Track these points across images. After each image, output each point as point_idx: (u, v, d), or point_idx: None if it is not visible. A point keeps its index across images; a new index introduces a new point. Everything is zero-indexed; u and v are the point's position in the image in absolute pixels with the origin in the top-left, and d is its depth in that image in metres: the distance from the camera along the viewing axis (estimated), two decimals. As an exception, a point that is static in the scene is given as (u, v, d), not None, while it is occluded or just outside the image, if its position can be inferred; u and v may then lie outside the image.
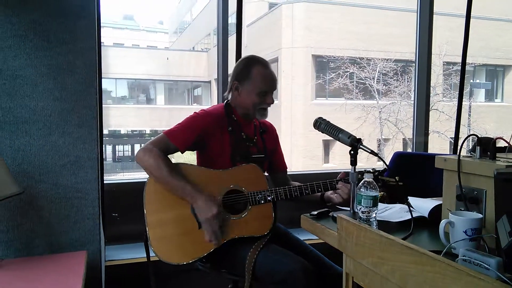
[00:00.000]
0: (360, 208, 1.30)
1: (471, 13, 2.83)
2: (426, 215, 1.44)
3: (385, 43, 12.05)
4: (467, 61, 2.98)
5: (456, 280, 0.86)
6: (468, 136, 1.34)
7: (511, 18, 13.20)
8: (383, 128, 12.47)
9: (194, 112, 1.82)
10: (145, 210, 1.70)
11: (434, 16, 3.03)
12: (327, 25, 12.34)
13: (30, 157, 1.77)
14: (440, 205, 1.41)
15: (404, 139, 12.59)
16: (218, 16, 2.68)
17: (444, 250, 1.07)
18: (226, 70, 2.68)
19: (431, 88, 3.15)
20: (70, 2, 1.79)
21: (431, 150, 3.26)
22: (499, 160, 1.24)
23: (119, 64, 14.55)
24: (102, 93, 2.11)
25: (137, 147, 17.37)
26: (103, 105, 2.11)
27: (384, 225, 1.37)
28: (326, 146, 12.76)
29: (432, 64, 3.15)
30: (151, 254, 1.71)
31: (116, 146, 16.93)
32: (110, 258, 2.25)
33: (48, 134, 1.78)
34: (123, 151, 17.49)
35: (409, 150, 12.01)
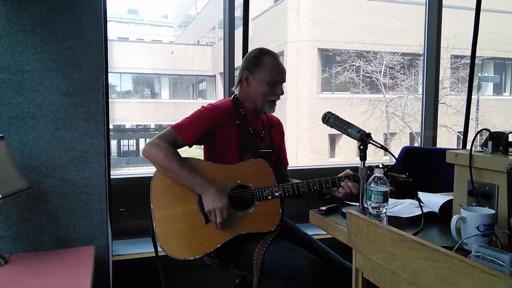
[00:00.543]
0: (371, 204, 1.29)
1: (481, 6, 2.79)
2: (436, 210, 1.42)
3: (392, 36, 11.95)
4: (470, 54, 2.95)
5: (469, 277, 0.85)
6: (480, 130, 1.32)
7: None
8: (389, 122, 12.40)
9: (202, 106, 1.81)
10: (151, 206, 1.69)
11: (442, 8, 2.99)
12: (333, 18, 12.25)
13: (38, 152, 1.77)
14: (450, 200, 1.39)
15: (411, 133, 12.51)
16: (225, 9, 2.66)
17: (456, 246, 1.06)
18: (233, 63, 2.66)
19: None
20: (76, -4, 1.78)
21: (439, 144, 3.23)
22: (512, 154, 1.22)
23: (123, 59, 14.55)
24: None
25: (142, 142, 17.41)
26: (108, 100, 2.11)
27: (394, 221, 1.36)
28: (332, 140, 12.72)
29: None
30: (159, 250, 1.70)
31: (121, 141, 16.96)
32: (117, 253, 2.26)
33: (55, 129, 1.78)
34: (128, 145, 17.52)
35: (416, 144, 11.96)
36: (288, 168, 2.07)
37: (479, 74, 13.32)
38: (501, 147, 1.25)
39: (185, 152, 1.88)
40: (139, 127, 17.38)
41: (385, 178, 1.30)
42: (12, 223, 1.77)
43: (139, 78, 17.48)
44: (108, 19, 2.02)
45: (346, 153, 12.54)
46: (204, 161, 1.78)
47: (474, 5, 2.84)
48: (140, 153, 16.74)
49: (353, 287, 1.34)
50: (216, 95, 16.12)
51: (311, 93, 12.33)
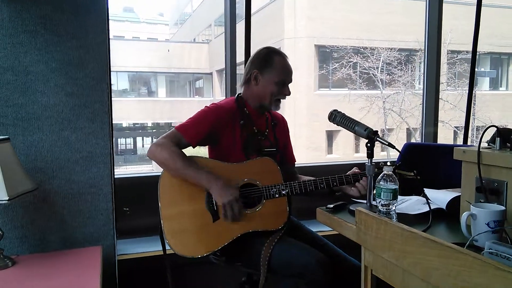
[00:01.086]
0: (380, 201, 1.30)
1: (482, 1, 2.79)
2: (443, 207, 1.43)
3: (389, 32, 11.94)
4: (471, 50, 2.95)
5: (482, 273, 0.86)
6: (488, 127, 1.32)
7: (516, 5, 13.08)
8: (387, 118, 12.41)
9: (206, 106, 1.81)
10: (159, 204, 1.69)
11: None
12: (330, 15, 12.23)
13: (43, 153, 1.77)
14: (458, 196, 1.40)
15: (408, 129, 12.55)
16: (226, 4, 2.63)
17: (468, 243, 1.07)
18: (234, 60, 2.64)
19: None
20: (80, -4, 1.77)
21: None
22: (520, 151, 1.23)
23: (119, 57, 14.49)
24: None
25: (139, 140, 17.37)
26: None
27: (402, 218, 1.36)
28: (330, 137, 12.73)
29: (437, 53, 3.11)
30: (166, 247, 1.71)
31: (118, 140, 16.92)
32: (121, 252, 2.26)
33: (60, 130, 1.78)
34: (125, 144, 17.48)
35: (413, 140, 12.00)
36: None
37: (476, 69, 13.33)
38: (508, 144, 1.27)
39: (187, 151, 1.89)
40: (136, 125, 17.33)
41: (394, 175, 1.30)
42: (18, 225, 1.77)
43: (136, 77, 17.42)
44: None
45: (344, 150, 12.56)
46: (211, 160, 1.79)
47: (470, 0, 2.85)
48: (138, 152, 16.71)
49: (362, 284, 1.35)
50: (213, 92, 16.09)
51: (309, 90, 12.32)
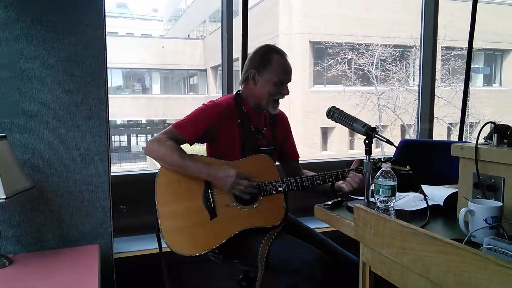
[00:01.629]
0: (378, 198, 1.30)
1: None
2: (441, 203, 1.44)
3: (383, 28, 11.96)
4: (465, 46, 2.96)
5: (482, 269, 0.86)
6: (486, 123, 1.33)
7: (509, 2, 13.14)
8: (381, 114, 12.46)
9: (203, 104, 1.80)
10: (156, 202, 1.69)
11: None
12: (324, 11, 12.23)
13: (40, 151, 1.76)
14: (455, 193, 1.41)
15: (402, 126, 12.60)
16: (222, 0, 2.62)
17: (466, 239, 1.07)
18: (231, 55, 2.62)
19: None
20: (76, -8, 1.76)
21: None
22: (517, 147, 1.24)
23: (113, 54, 14.35)
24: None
25: (133, 138, 17.31)
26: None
27: (399, 214, 1.37)
28: (324, 133, 12.76)
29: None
30: (163, 245, 1.70)
31: (112, 137, 16.85)
32: (118, 251, 2.25)
33: (57, 127, 1.77)
34: (120, 141, 17.41)
35: (407, 136, 12.05)
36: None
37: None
38: (505, 140, 1.27)
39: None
40: (130, 122, 17.27)
41: (392, 172, 1.31)
42: (15, 223, 1.76)
43: (130, 73, 17.33)
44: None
45: (338, 146, 12.60)
46: (207, 157, 1.79)
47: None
48: (132, 149, 16.64)
49: (360, 281, 1.35)
50: (208, 89, 16.05)
51: (304, 87, 12.32)
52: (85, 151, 1.81)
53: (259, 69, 1.81)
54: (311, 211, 1.64)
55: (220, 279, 2.30)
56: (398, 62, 12.25)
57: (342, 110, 1.59)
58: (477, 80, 14.40)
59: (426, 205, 1.36)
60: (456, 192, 1.40)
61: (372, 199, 1.43)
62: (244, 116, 1.83)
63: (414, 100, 10.62)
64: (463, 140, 3.59)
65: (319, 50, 12.70)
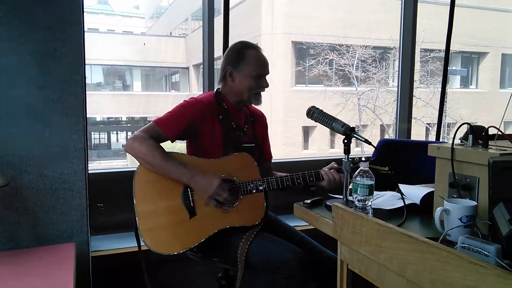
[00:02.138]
0: (356, 197, 1.31)
1: (455, 1, 2.86)
2: (417, 202, 1.46)
3: (364, 29, 12.10)
4: (443, 48, 3.02)
5: (457, 267, 0.88)
6: (462, 124, 1.36)
7: (486, 6, 13.45)
8: (361, 114, 12.61)
9: (184, 100, 1.79)
10: (134, 200, 1.67)
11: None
12: (307, 11, 12.30)
13: (15, 148, 1.71)
14: (432, 192, 1.43)
15: (381, 125, 12.78)
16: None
17: (441, 237, 1.09)
18: (212, 54, 2.61)
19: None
20: (54, -13, 1.72)
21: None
22: (491, 148, 1.26)
23: (93, 50, 14.17)
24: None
25: (113, 135, 17.07)
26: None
27: (377, 213, 1.38)
28: (306, 132, 12.84)
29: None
30: (142, 244, 1.68)
31: (92, 134, 16.59)
32: (95, 249, 2.22)
33: (33, 124, 1.73)
34: (99, 138, 17.16)
35: (387, 136, 12.22)
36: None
37: (448, 67, 13.67)
38: (480, 141, 1.30)
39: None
40: (110, 120, 17.03)
41: (370, 171, 1.32)
42: (-13, 221, 1.71)
43: (110, 70, 17.09)
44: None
45: (319, 145, 12.69)
46: (188, 156, 1.77)
47: (444, 0, 2.91)
48: (112, 147, 16.42)
49: (338, 279, 1.36)
50: (190, 87, 15.95)
51: (285, 86, 12.37)
52: (61, 148, 1.78)
53: (235, 65, 1.81)
54: (291, 209, 1.65)
55: (200, 277, 2.29)
56: (378, 63, 12.42)
57: (321, 110, 1.60)
58: (455, 82, 14.70)
59: (403, 204, 1.38)
60: (433, 191, 1.42)
61: (350, 198, 1.44)
62: (225, 113, 1.82)
63: (394, 101, 10.79)
64: (440, 140, 3.66)
65: (301, 50, 12.76)
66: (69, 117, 1.77)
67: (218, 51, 2.50)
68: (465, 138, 1.35)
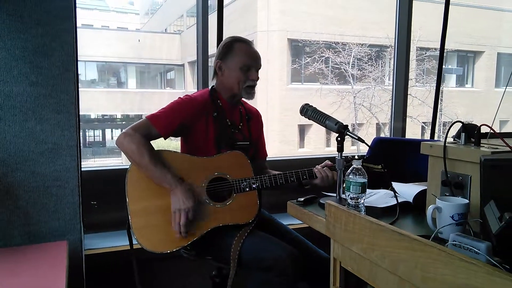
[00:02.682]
0: (349, 195, 1.31)
1: (449, 0, 2.86)
2: (410, 200, 1.46)
3: (360, 28, 12.12)
4: (438, 47, 3.02)
5: (448, 265, 0.88)
6: (454, 122, 1.36)
7: (481, 5, 13.50)
8: (357, 113, 12.63)
9: (179, 97, 1.78)
10: (127, 198, 1.66)
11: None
12: (302, 9, 12.29)
13: (6, 145, 1.70)
14: (424, 190, 1.44)
15: (377, 124, 12.80)
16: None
17: (433, 235, 1.10)
18: (206, 51, 2.60)
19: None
20: (45, -19, 1.70)
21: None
22: (483, 146, 1.27)
23: (88, 46, 14.10)
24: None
25: (108, 132, 17.00)
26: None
27: (370, 211, 1.39)
28: (302, 131, 12.85)
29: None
30: (134, 242, 1.68)
31: (87, 131, 16.52)
32: (89, 247, 2.21)
33: (24, 120, 1.71)
34: (94, 136, 17.09)
35: (382, 134, 12.25)
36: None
37: (443, 66, 13.72)
38: (472, 139, 1.30)
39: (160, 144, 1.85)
40: (105, 117, 16.96)
41: (363, 169, 1.32)
42: (-22, 219, 1.70)
43: (105, 67, 17.01)
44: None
45: (315, 143, 12.71)
46: (181, 154, 1.76)
47: (440, -1, 2.91)
48: (107, 144, 16.36)
49: (331, 276, 1.36)
50: (185, 84, 15.91)
51: (281, 84, 12.37)
52: (53, 145, 1.76)
53: (223, 58, 1.81)
54: (284, 208, 1.65)
55: (193, 275, 2.29)
56: (374, 62, 12.44)
57: (315, 108, 1.60)
58: (450, 81, 14.76)
59: (396, 202, 1.38)
60: (426, 189, 1.43)
61: (343, 196, 1.44)
62: (220, 110, 1.81)
63: (389, 99, 10.80)
64: (436, 138, 3.67)
65: (297, 48, 12.76)
66: (61, 114, 1.76)
67: (213, 48, 2.49)
68: (457, 136, 1.36)
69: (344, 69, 12.52)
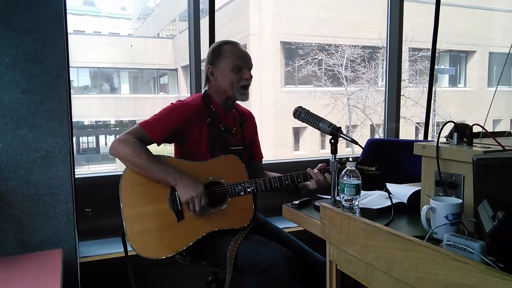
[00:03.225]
0: (343, 197, 1.31)
1: (440, 0, 2.88)
2: (405, 201, 1.47)
3: (352, 29, 12.16)
4: (431, 47, 3.04)
5: (442, 265, 0.88)
6: (446, 122, 1.37)
7: (473, 5, 13.61)
8: (351, 114, 12.66)
9: (171, 103, 1.77)
10: (121, 204, 1.65)
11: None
12: (295, 11, 12.32)
13: (-2, 153, 1.69)
14: (418, 191, 1.44)
15: (371, 125, 12.84)
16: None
17: (427, 236, 1.10)
18: (199, 55, 2.60)
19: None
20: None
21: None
22: (476, 146, 1.28)
23: (80, 52, 14.05)
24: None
25: (102, 138, 16.92)
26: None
27: (365, 212, 1.39)
28: (296, 133, 12.86)
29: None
30: (129, 249, 1.67)
31: (80, 138, 16.44)
32: (83, 255, 2.19)
33: (16, 128, 1.70)
34: (88, 142, 17.01)
35: (376, 136, 12.29)
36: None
37: (436, 66, 13.81)
38: (465, 139, 1.31)
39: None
40: (98, 123, 16.89)
41: (357, 171, 1.32)
42: (-29, 229, 1.68)
43: (97, 73, 16.94)
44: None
45: (310, 146, 12.72)
46: (175, 158, 1.76)
47: (431, -1, 2.93)
48: (101, 151, 16.28)
49: (327, 279, 1.36)
50: (179, 89, 15.88)
51: (275, 87, 12.39)
52: (46, 153, 1.75)
53: (213, 62, 1.81)
54: (280, 211, 1.64)
55: (189, 281, 2.27)
56: (367, 63, 12.49)
57: (308, 110, 1.60)
58: (443, 81, 14.84)
59: (390, 203, 1.39)
60: (419, 190, 1.43)
61: (338, 198, 1.44)
62: (213, 115, 1.81)
63: (383, 100, 10.84)
64: (429, 139, 3.68)
65: (290, 51, 12.79)
66: (53, 121, 1.75)
67: (205, 52, 2.48)
68: (450, 136, 1.36)
69: (337, 71, 12.56)
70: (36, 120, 1.73)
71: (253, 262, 1.59)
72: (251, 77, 1.82)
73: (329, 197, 1.55)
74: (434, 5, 2.91)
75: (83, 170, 12.70)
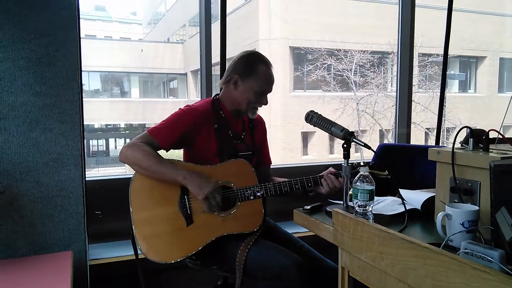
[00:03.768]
0: (357, 202, 1.29)
1: (452, 5, 2.86)
2: (418, 207, 1.44)
3: (361, 34, 12.14)
4: (441, 53, 3.01)
5: (459, 273, 0.86)
6: (462, 128, 1.34)
7: (483, 10, 13.51)
8: (360, 119, 12.61)
9: (180, 109, 1.77)
10: (131, 208, 1.65)
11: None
12: (304, 17, 12.34)
13: (10, 155, 1.69)
14: (432, 197, 1.42)
15: (380, 130, 12.78)
16: (200, 3, 2.59)
17: (443, 243, 1.08)
18: (210, 60, 2.60)
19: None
20: (49, -8, 1.71)
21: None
22: (492, 151, 1.25)
23: (91, 57, 14.18)
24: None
25: (111, 142, 17.05)
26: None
27: (377, 218, 1.37)
28: (305, 138, 12.83)
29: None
30: (139, 252, 1.66)
31: (90, 141, 16.58)
32: (93, 257, 2.20)
33: (28, 131, 1.71)
34: (98, 145, 17.15)
35: (386, 141, 12.23)
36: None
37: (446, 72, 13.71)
38: (481, 144, 1.29)
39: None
40: (108, 126, 17.02)
41: (370, 176, 1.31)
42: (-17, 230, 1.69)
43: (108, 77, 17.11)
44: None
45: (319, 151, 12.68)
46: (184, 162, 1.75)
47: (441, 5, 2.91)
48: (111, 154, 16.39)
49: (339, 286, 1.34)
50: (188, 93, 15.96)
51: (284, 91, 12.38)
52: (58, 155, 1.76)
53: (242, 75, 1.77)
54: (290, 216, 1.63)
55: (199, 285, 2.26)
56: (376, 68, 12.44)
57: (320, 114, 1.59)
58: (453, 86, 14.74)
59: (404, 209, 1.36)
60: (433, 196, 1.41)
61: (350, 204, 1.42)
62: (222, 121, 1.80)
63: (392, 106, 10.81)
64: (440, 144, 3.65)
65: (299, 56, 12.79)
66: (65, 124, 1.76)
67: (216, 57, 2.49)
68: (465, 142, 1.34)
69: (346, 76, 12.53)
70: (49, 122, 1.74)
71: (263, 267, 1.58)
72: (267, 103, 1.83)
73: (341, 202, 1.54)
74: (444, 11, 2.90)
75: (93, 173, 12.79)
